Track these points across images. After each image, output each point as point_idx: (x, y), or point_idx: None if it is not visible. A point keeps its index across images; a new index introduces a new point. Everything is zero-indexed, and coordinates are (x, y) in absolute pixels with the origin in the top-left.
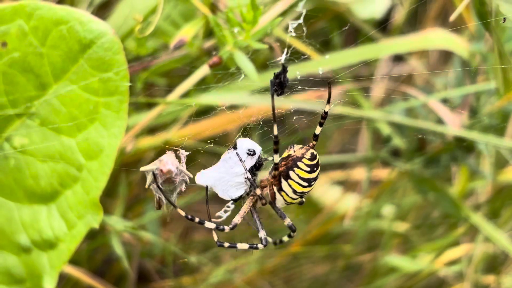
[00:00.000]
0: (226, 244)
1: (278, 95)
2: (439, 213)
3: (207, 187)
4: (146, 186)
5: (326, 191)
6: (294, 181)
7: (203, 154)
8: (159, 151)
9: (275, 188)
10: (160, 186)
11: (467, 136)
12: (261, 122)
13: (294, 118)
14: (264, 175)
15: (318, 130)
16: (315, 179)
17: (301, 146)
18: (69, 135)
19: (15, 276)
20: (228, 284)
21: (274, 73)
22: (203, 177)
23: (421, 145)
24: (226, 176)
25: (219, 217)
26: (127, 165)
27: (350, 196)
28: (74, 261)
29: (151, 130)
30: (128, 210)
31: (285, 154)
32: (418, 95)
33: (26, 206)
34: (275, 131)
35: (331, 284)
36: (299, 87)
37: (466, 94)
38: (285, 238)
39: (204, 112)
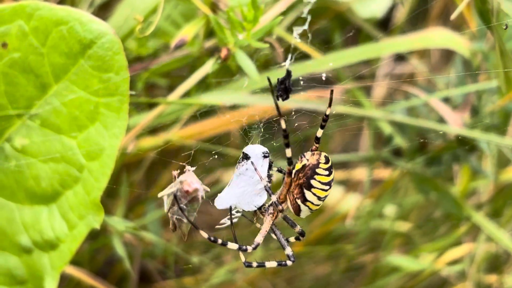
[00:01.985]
0: (255, 264)
1: (283, 100)
2: (441, 212)
3: (230, 208)
4: (165, 210)
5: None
6: (318, 188)
7: (205, 154)
8: (161, 151)
9: (299, 201)
10: (184, 207)
11: (469, 135)
12: (262, 130)
13: (295, 117)
14: (276, 190)
15: (319, 133)
16: (333, 179)
17: (311, 152)
18: (70, 135)
19: (16, 277)
20: (230, 284)
21: (278, 79)
22: (223, 200)
23: (422, 144)
24: (249, 188)
25: (223, 223)
26: (129, 165)
27: (352, 196)
28: (76, 262)
29: (153, 130)
30: (130, 210)
31: (298, 166)
32: (419, 94)
33: (27, 207)
34: (283, 125)
35: (333, 284)
36: (299, 87)
37: (468, 93)
38: (292, 239)
39: (206, 112)
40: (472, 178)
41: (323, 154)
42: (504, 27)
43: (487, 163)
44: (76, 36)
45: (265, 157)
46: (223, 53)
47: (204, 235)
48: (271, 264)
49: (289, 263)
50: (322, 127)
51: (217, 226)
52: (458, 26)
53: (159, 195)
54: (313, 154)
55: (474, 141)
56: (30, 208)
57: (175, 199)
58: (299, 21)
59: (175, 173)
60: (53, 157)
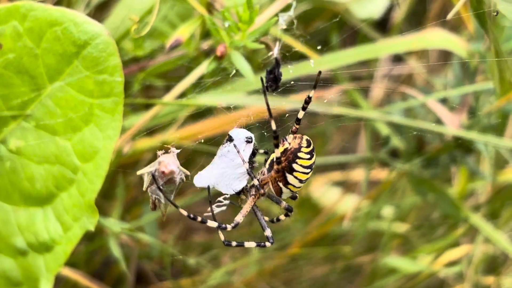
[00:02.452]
0: (234, 243)
1: (273, 90)
2: (438, 214)
3: (208, 187)
4: (144, 188)
5: (325, 192)
6: (299, 171)
7: (201, 155)
8: (156, 151)
9: (280, 184)
10: (161, 187)
11: (466, 136)
12: (257, 124)
13: (288, 116)
14: (260, 170)
15: (300, 114)
16: (314, 162)
17: (293, 136)
18: (64, 137)
19: (11, 279)
20: (227, 286)
21: (267, 69)
22: (202, 179)
23: (420, 145)
24: (228, 170)
25: (213, 211)
26: (125, 166)
27: (350, 197)
28: (72, 263)
29: (149, 131)
30: (126, 212)
31: (281, 149)
32: (417, 95)
33: (22, 209)
34: (273, 126)
35: (331, 286)
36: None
37: (465, 94)
38: (282, 217)
39: (202, 112)
40: (470, 179)
41: (305, 137)
42: (495, 13)
43: (484, 164)
44: (70, 37)
45: (248, 142)
46: (219, 50)
47: (184, 212)
48: (250, 244)
49: (267, 244)
50: (304, 108)
51: (205, 214)
52: (456, 27)
53: (138, 172)
54: (295, 137)
55: (471, 142)
56: (25, 210)
57: (153, 178)
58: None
59: (159, 153)
60: (48, 159)
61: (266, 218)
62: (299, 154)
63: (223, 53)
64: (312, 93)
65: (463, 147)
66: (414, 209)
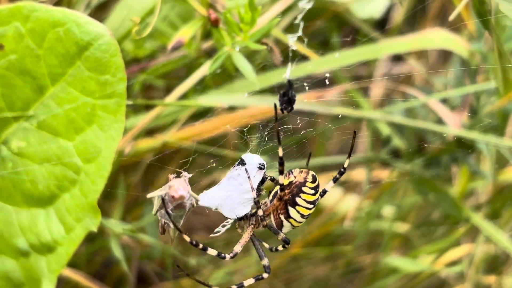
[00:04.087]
0: (234, 287)
1: (288, 112)
2: (439, 213)
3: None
4: (153, 212)
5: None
6: (302, 206)
7: (203, 156)
8: (158, 152)
9: (282, 217)
10: (170, 211)
11: (467, 136)
12: (266, 138)
13: (291, 117)
14: (264, 200)
15: (329, 186)
16: (317, 199)
17: (299, 170)
18: (67, 137)
19: (13, 280)
20: (227, 285)
21: (280, 92)
22: (208, 198)
23: (421, 145)
24: (235, 194)
25: (218, 232)
26: (126, 167)
27: (351, 197)
28: (73, 264)
29: (150, 132)
30: (127, 213)
31: (285, 182)
32: (417, 95)
33: (24, 210)
34: (280, 153)
35: (332, 286)
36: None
37: (466, 94)
38: (280, 248)
39: (203, 113)
40: (471, 179)
41: (311, 173)
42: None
43: (485, 164)
44: (72, 38)
45: (260, 169)
46: (212, 16)
47: (187, 239)
48: (249, 282)
49: (265, 275)
50: (335, 180)
51: (211, 235)
52: (457, 27)
53: (148, 196)
54: (301, 171)
55: (472, 142)
56: (27, 211)
57: (163, 202)
58: (295, 27)
59: (171, 176)
60: (50, 160)
61: (266, 246)
62: (304, 189)
63: (216, 19)
64: (346, 164)
65: (464, 147)
66: (415, 209)
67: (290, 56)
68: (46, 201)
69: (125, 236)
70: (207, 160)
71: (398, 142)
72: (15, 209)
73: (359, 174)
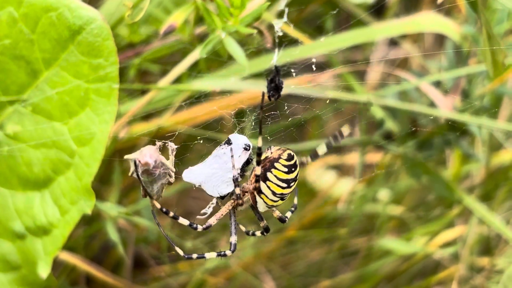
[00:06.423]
0: (195, 256)
1: (275, 99)
2: (433, 196)
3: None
4: (129, 174)
5: (321, 175)
6: (272, 182)
7: (196, 139)
8: (152, 139)
9: (255, 192)
10: (140, 176)
11: (459, 118)
12: (253, 124)
13: (286, 104)
14: (243, 182)
15: (321, 149)
16: (294, 179)
17: (278, 147)
18: (61, 121)
19: (10, 262)
20: (224, 269)
21: (267, 79)
22: (192, 174)
23: (413, 128)
24: (219, 172)
25: (204, 213)
26: (121, 151)
27: (345, 180)
28: (70, 248)
29: (145, 116)
30: (124, 196)
31: (262, 156)
32: (410, 79)
33: (20, 193)
34: (260, 143)
35: (328, 268)
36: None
37: (458, 77)
38: (258, 233)
39: (197, 97)
40: (464, 161)
41: (288, 151)
42: None
43: (478, 147)
44: (65, 22)
45: (245, 149)
46: None
47: (157, 205)
48: (211, 255)
49: (228, 252)
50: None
51: (198, 217)
52: (450, 10)
53: (125, 157)
54: (279, 149)
55: (465, 125)
56: (22, 194)
57: (134, 166)
58: (288, 13)
59: (158, 143)
60: (45, 143)
61: (243, 228)
62: (276, 165)
63: None
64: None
65: (456, 129)
66: (409, 192)
67: (277, 42)
68: (42, 184)
69: (122, 220)
70: (195, 142)
71: (391, 125)
72: (10, 193)
73: (352, 158)
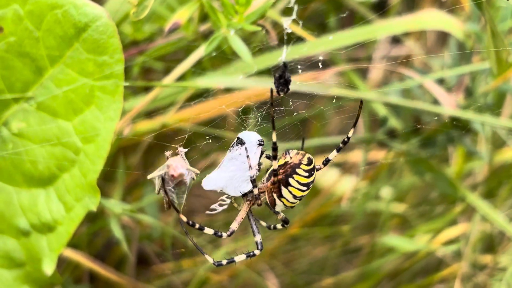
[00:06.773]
0: (225, 262)
1: (284, 93)
2: (436, 193)
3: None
4: (156, 192)
5: (324, 173)
6: (294, 187)
7: (201, 137)
8: (157, 135)
9: (275, 195)
10: (172, 189)
11: (463, 116)
12: (259, 119)
13: (291, 100)
14: (259, 181)
15: (332, 155)
16: (312, 181)
17: (296, 151)
18: (66, 118)
19: (15, 259)
20: (227, 266)
21: (275, 75)
22: (211, 181)
23: (416, 126)
24: (239, 173)
25: (214, 209)
26: (126, 148)
27: (348, 178)
28: (74, 245)
29: (149, 113)
30: (128, 194)
31: (281, 161)
32: (414, 76)
33: (24, 190)
34: (274, 138)
35: (330, 266)
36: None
37: (462, 75)
38: (279, 226)
39: (201, 94)
40: (467, 159)
41: (307, 155)
42: None
43: (481, 144)
44: (71, 19)
45: (259, 145)
46: None
47: (184, 219)
48: (240, 258)
49: (256, 252)
50: (338, 150)
51: (207, 212)
52: (454, 8)
53: (149, 177)
54: (298, 153)
55: (468, 122)
56: (27, 191)
57: (163, 182)
58: (290, 11)
59: (167, 153)
60: (50, 140)
61: (264, 224)
62: (298, 170)
63: None
64: (350, 133)
65: (460, 127)
66: (412, 189)
67: (286, 39)
68: (46, 181)
69: (125, 217)
70: (204, 142)
71: (394, 122)
72: (15, 189)
73: (356, 155)
